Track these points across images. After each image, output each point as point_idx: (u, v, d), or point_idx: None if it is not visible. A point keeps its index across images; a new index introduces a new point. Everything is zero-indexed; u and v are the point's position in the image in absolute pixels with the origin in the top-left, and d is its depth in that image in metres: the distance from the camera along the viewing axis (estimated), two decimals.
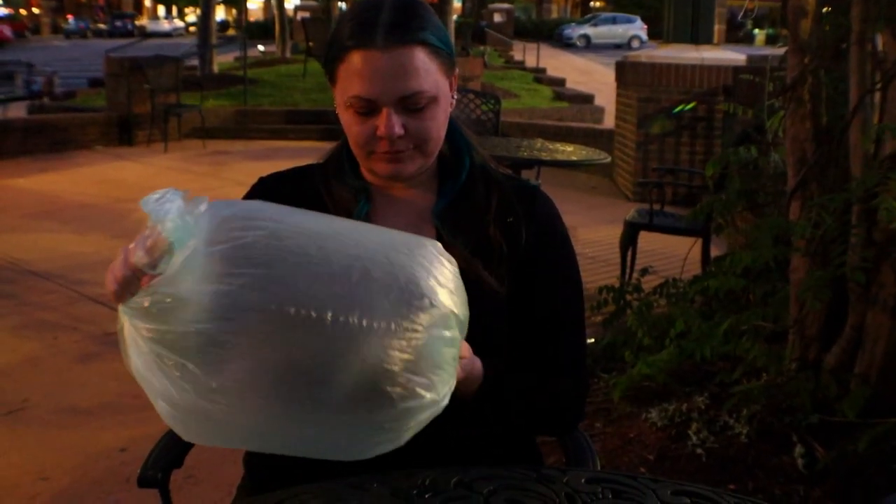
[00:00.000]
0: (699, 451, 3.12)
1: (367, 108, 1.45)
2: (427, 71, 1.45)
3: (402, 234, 1.22)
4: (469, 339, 1.30)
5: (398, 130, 1.45)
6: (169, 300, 1.06)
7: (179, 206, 1.09)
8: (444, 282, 1.14)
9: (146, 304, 1.07)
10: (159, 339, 1.07)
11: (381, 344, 1.07)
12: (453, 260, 1.20)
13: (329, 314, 1.06)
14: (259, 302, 1.06)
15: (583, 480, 1.25)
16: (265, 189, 1.64)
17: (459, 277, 1.20)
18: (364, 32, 1.42)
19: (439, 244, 1.20)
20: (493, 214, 1.57)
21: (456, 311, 1.14)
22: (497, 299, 1.52)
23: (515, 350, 1.54)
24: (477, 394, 1.41)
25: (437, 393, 1.13)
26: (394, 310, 1.08)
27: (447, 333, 1.12)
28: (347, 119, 1.49)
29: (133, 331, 1.11)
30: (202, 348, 1.06)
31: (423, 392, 1.11)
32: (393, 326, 1.07)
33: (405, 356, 1.08)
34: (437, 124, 1.50)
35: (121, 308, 1.13)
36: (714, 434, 3.18)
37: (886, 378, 3.02)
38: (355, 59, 1.43)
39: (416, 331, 1.09)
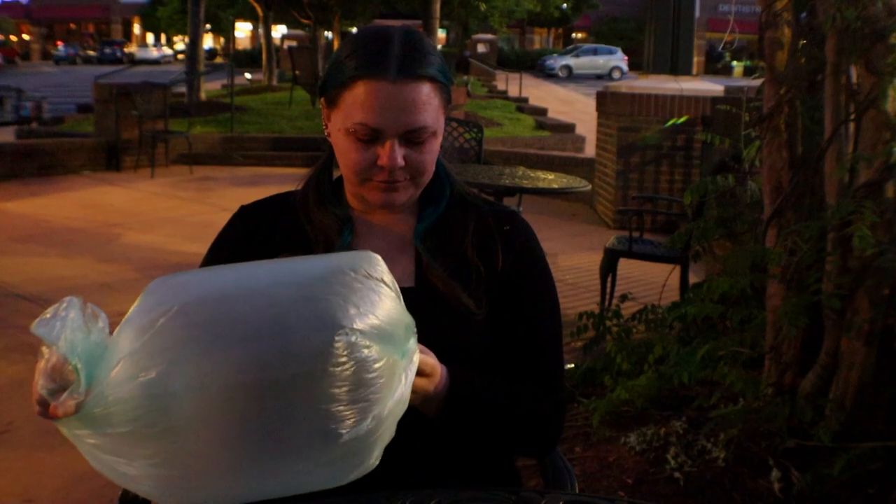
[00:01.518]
0: (677, 475, 3.12)
1: (371, 137, 1.45)
2: (431, 106, 1.47)
3: (324, 262, 1.19)
4: (448, 360, 1.30)
5: (400, 162, 1.46)
6: (98, 410, 1.04)
7: (73, 320, 1.06)
8: (361, 300, 1.10)
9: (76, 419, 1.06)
10: (105, 447, 1.07)
11: (311, 389, 1.05)
12: (379, 268, 1.16)
13: (253, 377, 1.04)
14: (185, 385, 1.04)
15: (561, 503, 1.25)
16: (245, 218, 1.65)
17: (388, 285, 1.16)
18: (376, 63, 1.43)
19: (365, 256, 1.16)
20: (470, 238, 1.58)
21: (379, 322, 1.11)
22: (475, 321, 1.52)
23: (494, 369, 1.53)
24: (447, 399, 1.40)
25: (382, 407, 1.11)
26: (312, 352, 1.06)
27: (372, 352, 1.09)
28: (345, 145, 1.48)
29: (78, 441, 1.09)
30: (145, 441, 1.05)
31: (367, 415, 1.09)
32: (316, 369, 1.05)
33: (339, 390, 1.06)
34: (433, 157, 1.53)
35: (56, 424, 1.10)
36: (692, 458, 3.18)
37: (861, 403, 3.03)
38: (365, 88, 1.43)
39: (339, 363, 1.06)
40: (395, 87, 1.43)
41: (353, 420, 1.07)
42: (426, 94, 1.46)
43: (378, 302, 1.11)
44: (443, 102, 1.51)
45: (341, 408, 1.07)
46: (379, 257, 1.17)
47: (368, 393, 1.08)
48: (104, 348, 1.06)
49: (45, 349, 1.07)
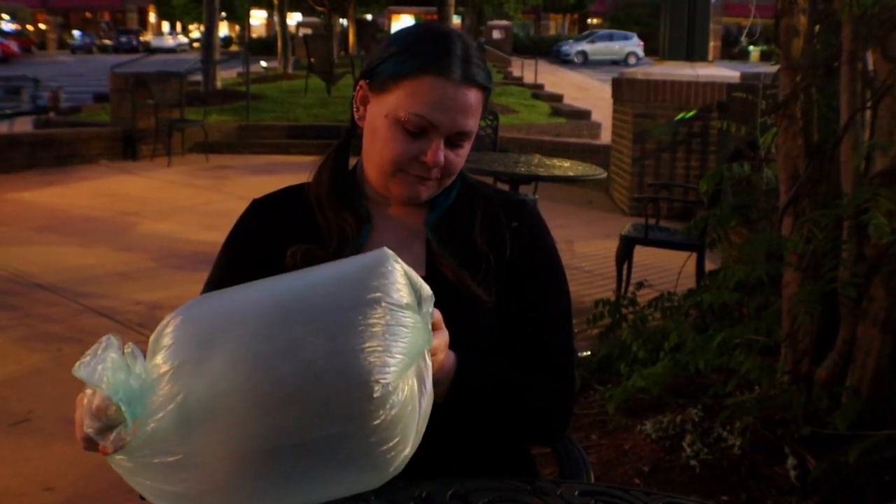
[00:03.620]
0: (693, 462, 3.13)
1: (421, 130, 1.48)
2: (477, 112, 1.53)
3: (347, 293, 1.14)
4: (459, 348, 1.31)
5: (442, 161, 1.50)
6: (140, 441, 1.08)
7: (113, 360, 1.08)
8: (391, 340, 1.10)
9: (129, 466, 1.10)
10: (145, 473, 1.10)
11: (352, 442, 1.08)
12: (397, 285, 1.15)
13: (297, 440, 1.07)
14: (224, 449, 1.07)
15: (577, 493, 1.26)
16: (257, 212, 1.67)
17: (407, 306, 1.15)
18: (444, 62, 1.47)
19: (381, 275, 1.15)
20: (479, 227, 1.60)
21: (408, 357, 1.12)
22: (485, 309, 1.54)
23: (504, 358, 1.55)
24: (453, 383, 1.41)
25: (417, 426, 1.14)
26: (353, 413, 1.07)
27: (406, 390, 1.11)
28: (389, 133, 1.50)
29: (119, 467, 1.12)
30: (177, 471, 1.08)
31: (407, 442, 1.12)
32: (357, 426, 1.07)
33: (378, 437, 1.08)
34: (463, 162, 1.57)
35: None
36: (708, 446, 3.18)
37: (877, 391, 3.03)
38: (430, 82, 1.47)
39: (379, 416, 1.08)
40: (457, 90, 1.47)
41: (392, 454, 1.10)
42: (476, 101, 1.51)
43: (404, 333, 1.12)
44: (483, 109, 1.56)
45: (383, 449, 1.09)
46: (394, 264, 1.16)
47: (407, 427, 1.11)
48: (145, 385, 1.09)
49: (88, 390, 1.10)
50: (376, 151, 1.53)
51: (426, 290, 1.19)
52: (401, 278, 1.15)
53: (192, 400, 1.07)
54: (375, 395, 1.06)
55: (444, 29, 1.57)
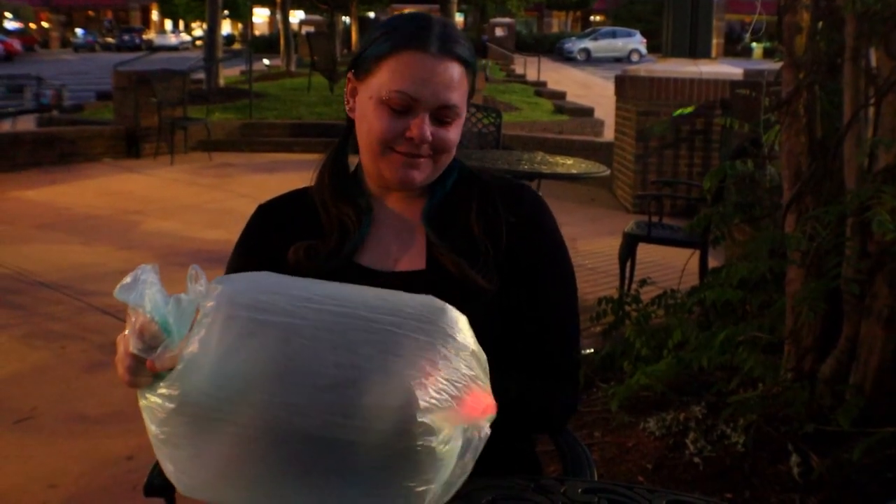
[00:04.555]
0: (696, 459, 3.13)
1: (405, 107, 1.49)
2: (462, 88, 1.53)
3: (416, 332, 1.12)
4: None
5: (429, 136, 1.49)
6: (182, 368, 1.07)
7: (152, 283, 1.10)
8: (447, 374, 1.09)
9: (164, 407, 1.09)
10: (174, 425, 1.09)
11: (366, 459, 1.06)
12: (463, 334, 1.14)
13: (313, 429, 1.05)
14: (251, 402, 1.06)
15: (580, 491, 1.26)
16: (263, 217, 1.67)
17: (478, 358, 1.15)
18: (419, 37, 1.49)
19: (449, 318, 1.14)
20: (475, 215, 1.60)
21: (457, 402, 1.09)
22: (487, 299, 1.53)
23: (507, 346, 1.53)
24: None
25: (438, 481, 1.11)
26: (380, 425, 1.05)
27: (441, 437, 1.08)
28: (375, 114, 1.51)
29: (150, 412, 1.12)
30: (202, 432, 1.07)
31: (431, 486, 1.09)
32: (376, 441, 1.05)
33: (398, 469, 1.07)
34: (456, 139, 1.56)
35: (140, 401, 1.13)
36: (711, 443, 3.18)
37: (880, 388, 3.03)
38: (408, 58, 1.48)
39: (407, 444, 1.05)
40: (436, 62, 1.48)
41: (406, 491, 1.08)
42: (459, 75, 1.51)
43: (460, 377, 1.10)
44: (469, 88, 1.56)
45: (403, 482, 1.07)
46: (463, 320, 1.15)
47: (431, 475, 1.08)
48: (189, 306, 1.10)
49: (130, 312, 1.11)
50: (364, 134, 1.54)
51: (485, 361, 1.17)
52: (466, 329, 1.14)
53: (232, 350, 1.06)
54: (415, 416, 1.04)
55: (420, 13, 1.59)
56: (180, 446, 1.09)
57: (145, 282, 1.10)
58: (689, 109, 7.72)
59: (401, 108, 1.48)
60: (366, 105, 1.53)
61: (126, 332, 1.13)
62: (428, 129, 1.49)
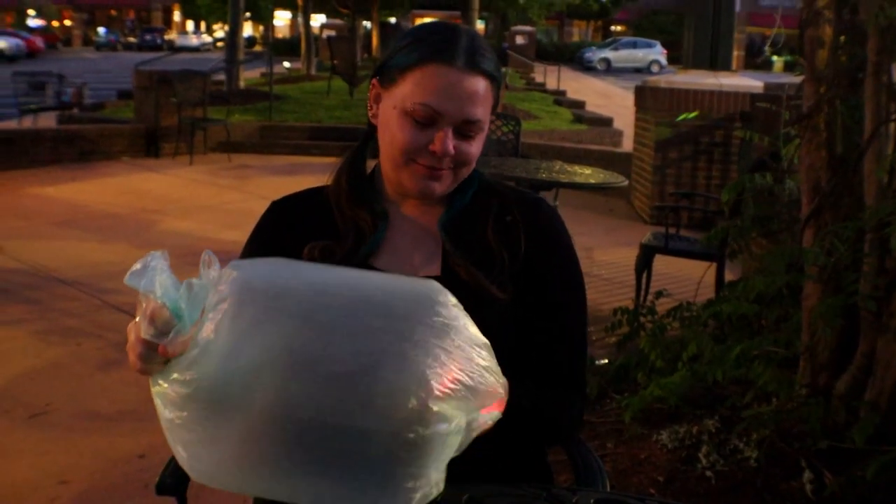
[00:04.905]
0: (709, 473, 3.11)
1: (429, 120, 1.48)
2: (486, 101, 1.52)
3: (424, 323, 1.13)
4: None
5: (451, 150, 1.49)
6: (195, 354, 1.07)
7: (162, 270, 1.10)
8: (457, 363, 1.10)
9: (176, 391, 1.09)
10: (188, 410, 1.09)
11: (380, 445, 1.06)
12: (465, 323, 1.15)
13: (330, 420, 1.05)
14: (263, 392, 1.06)
15: (592, 501, 1.26)
16: (277, 213, 1.68)
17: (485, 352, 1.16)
18: (447, 50, 1.48)
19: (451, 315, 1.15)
20: (492, 225, 1.60)
21: (470, 385, 1.11)
22: (500, 308, 1.53)
23: (520, 354, 1.54)
24: None
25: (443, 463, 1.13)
26: (394, 415, 1.05)
27: (453, 424, 1.10)
28: (398, 124, 1.51)
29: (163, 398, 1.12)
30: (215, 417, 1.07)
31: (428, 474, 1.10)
32: (391, 430, 1.05)
33: (406, 454, 1.07)
34: (478, 153, 1.56)
35: (153, 387, 1.14)
36: (724, 457, 3.17)
37: None
38: (434, 71, 1.48)
39: (416, 431, 1.06)
40: (462, 76, 1.48)
41: (410, 484, 1.08)
42: (484, 89, 1.51)
43: (475, 369, 1.11)
44: (493, 102, 1.55)
45: (412, 469, 1.07)
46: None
47: (431, 465, 1.09)
48: (200, 291, 1.10)
49: (141, 298, 1.11)
50: (387, 143, 1.54)
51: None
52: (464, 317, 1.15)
53: (247, 335, 1.06)
54: (430, 405, 1.05)
55: (448, 24, 1.58)
56: (194, 431, 1.09)
57: (155, 268, 1.10)
58: (695, 114, 7.71)
59: (424, 120, 1.48)
60: (389, 114, 1.53)
61: (137, 318, 1.13)
62: (451, 144, 1.49)
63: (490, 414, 1.17)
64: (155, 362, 1.12)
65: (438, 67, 1.47)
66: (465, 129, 1.50)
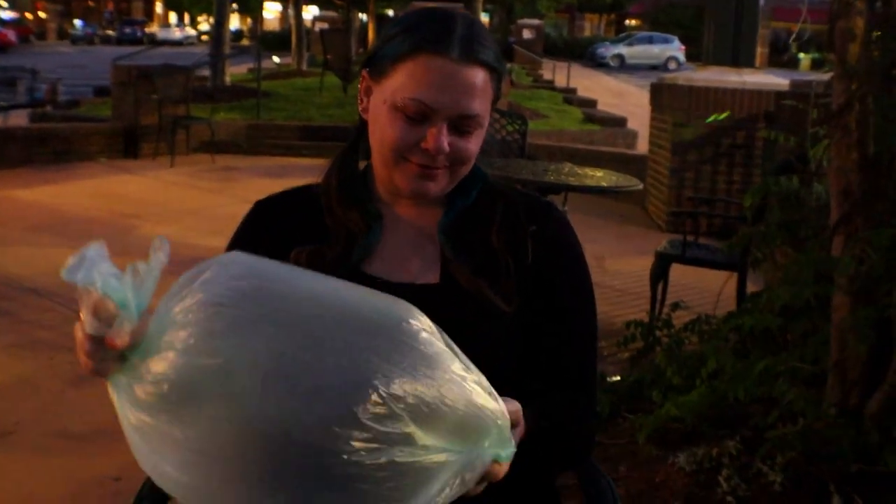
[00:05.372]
0: (729, 498, 3.10)
1: (421, 116, 1.46)
2: (485, 95, 1.50)
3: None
4: (474, 359, 1.26)
5: (446, 148, 1.47)
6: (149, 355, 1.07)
7: (100, 260, 1.10)
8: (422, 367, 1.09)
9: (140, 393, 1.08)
10: (149, 414, 1.08)
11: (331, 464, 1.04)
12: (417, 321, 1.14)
13: (316, 438, 1.04)
14: (229, 406, 1.05)
15: None
16: (260, 213, 1.67)
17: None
18: (440, 39, 1.45)
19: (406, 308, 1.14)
20: (497, 230, 1.58)
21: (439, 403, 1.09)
22: (504, 318, 1.52)
23: (524, 369, 1.53)
24: None
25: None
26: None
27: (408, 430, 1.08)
28: (388, 120, 1.48)
29: (123, 406, 1.11)
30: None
31: None
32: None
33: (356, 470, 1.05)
34: (476, 150, 1.54)
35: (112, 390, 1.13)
36: (746, 481, 3.16)
37: None
38: (427, 62, 1.45)
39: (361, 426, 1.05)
40: (458, 68, 1.45)
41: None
42: (482, 81, 1.48)
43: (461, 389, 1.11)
44: (493, 95, 1.53)
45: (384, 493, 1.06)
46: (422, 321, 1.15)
47: (410, 488, 1.07)
48: (145, 280, 1.10)
49: (81, 293, 1.10)
50: (377, 140, 1.52)
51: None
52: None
53: (222, 339, 1.06)
54: (403, 430, 1.04)
55: (443, 10, 1.54)
56: (155, 435, 1.08)
57: (93, 259, 1.09)
58: (725, 115, 7.71)
59: (416, 116, 1.46)
60: (379, 109, 1.51)
61: (81, 319, 1.11)
62: (445, 141, 1.46)
63: (504, 451, 1.16)
64: (107, 359, 1.10)
65: (432, 59, 1.45)
66: (461, 125, 1.48)
